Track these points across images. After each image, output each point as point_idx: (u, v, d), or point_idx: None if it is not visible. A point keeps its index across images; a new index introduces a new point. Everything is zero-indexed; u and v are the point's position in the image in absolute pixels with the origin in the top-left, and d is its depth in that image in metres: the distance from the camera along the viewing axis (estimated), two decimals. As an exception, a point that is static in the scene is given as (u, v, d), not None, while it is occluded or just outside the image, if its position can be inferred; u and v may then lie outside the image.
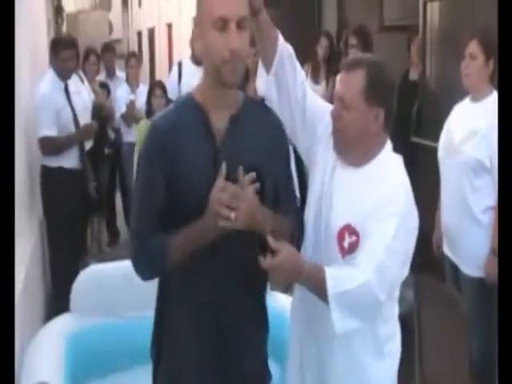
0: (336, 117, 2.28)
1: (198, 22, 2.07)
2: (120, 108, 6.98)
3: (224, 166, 2.00)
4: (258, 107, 2.26)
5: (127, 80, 7.30)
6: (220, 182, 1.99)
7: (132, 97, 6.72)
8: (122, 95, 7.07)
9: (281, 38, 2.34)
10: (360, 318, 2.17)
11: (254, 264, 2.10)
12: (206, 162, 2.07)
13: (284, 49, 2.34)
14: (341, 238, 2.24)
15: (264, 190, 2.07)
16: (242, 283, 2.19)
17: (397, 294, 2.34)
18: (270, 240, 2.03)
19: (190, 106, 2.12)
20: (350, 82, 2.24)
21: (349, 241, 2.22)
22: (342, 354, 2.32)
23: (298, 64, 2.40)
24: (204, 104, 2.11)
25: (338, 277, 2.10)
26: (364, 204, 2.19)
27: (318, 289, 2.12)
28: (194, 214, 2.03)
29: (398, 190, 2.21)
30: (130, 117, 6.78)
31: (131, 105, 6.71)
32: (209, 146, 2.08)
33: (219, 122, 2.10)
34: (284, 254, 2.03)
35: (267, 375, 2.38)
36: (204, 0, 2.05)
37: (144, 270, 2.18)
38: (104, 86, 6.99)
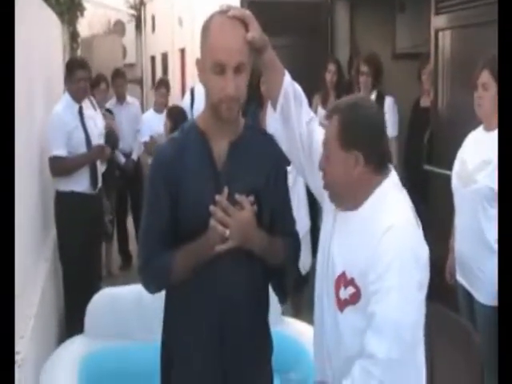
0: (321, 169, 2.26)
1: (201, 61, 2.20)
2: (143, 132, 7.12)
3: (225, 190, 2.15)
4: (258, 134, 2.40)
5: (155, 105, 7.49)
6: (218, 197, 2.15)
7: (154, 134, 6.79)
8: (148, 119, 7.22)
9: (287, 76, 2.33)
10: None
11: (255, 281, 2.32)
12: (208, 185, 2.21)
13: (289, 87, 2.32)
14: (337, 287, 2.20)
15: (262, 212, 2.23)
16: (245, 296, 2.30)
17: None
18: None
19: (194, 133, 2.28)
20: (328, 130, 2.21)
21: (345, 293, 2.17)
22: None
23: (305, 103, 2.38)
24: (206, 131, 2.26)
25: None
26: (357, 251, 2.13)
27: None
28: (197, 232, 2.18)
29: (390, 233, 2.07)
30: (150, 152, 6.89)
31: (151, 141, 6.79)
32: (210, 170, 2.23)
33: (220, 147, 2.25)
34: None
35: None
36: (206, 44, 2.16)
37: (150, 283, 2.34)
38: (109, 112, 7.12)
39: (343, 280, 2.17)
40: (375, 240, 2.08)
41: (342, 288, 2.17)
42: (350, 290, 2.14)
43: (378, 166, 2.20)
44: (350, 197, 2.21)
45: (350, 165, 2.17)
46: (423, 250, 2.15)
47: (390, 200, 2.18)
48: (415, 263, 2.09)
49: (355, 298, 2.14)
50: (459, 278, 3.69)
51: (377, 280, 2.06)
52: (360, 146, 2.15)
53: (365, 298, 2.11)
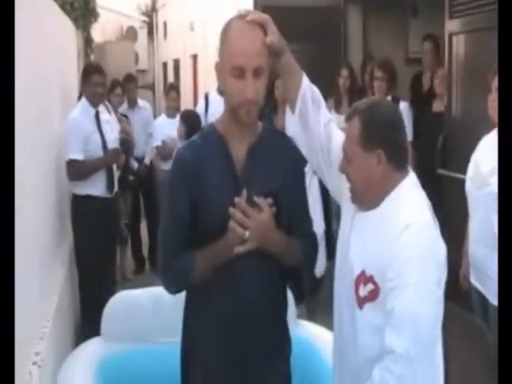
0: (343, 172, 2.30)
1: (220, 65, 2.24)
2: (156, 137, 7.16)
3: (244, 192, 2.18)
4: (276, 136, 2.43)
5: (166, 110, 7.50)
6: (237, 200, 2.17)
7: (166, 138, 6.83)
8: (160, 124, 7.24)
9: (305, 79, 2.37)
10: None
11: (273, 281, 2.35)
12: (227, 188, 2.24)
13: (307, 89, 2.37)
14: (357, 285, 2.23)
15: (280, 213, 2.26)
16: (264, 297, 2.33)
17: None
18: None
19: (213, 136, 2.30)
20: (348, 133, 2.25)
21: (364, 290, 2.20)
22: None
23: (322, 105, 2.42)
24: (225, 134, 2.29)
25: None
26: (376, 249, 2.16)
27: None
28: (216, 235, 2.21)
29: (407, 231, 2.11)
30: (162, 156, 6.92)
31: (164, 145, 6.82)
32: (229, 173, 2.26)
33: (239, 150, 2.28)
34: None
35: None
36: (225, 48, 2.20)
37: (171, 284, 2.37)
38: (125, 117, 7.20)
39: (363, 278, 2.19)
40: (393, 238, 2.11)
41: (362, 286, 2.19)
42: (370, 286, 2.17)
43: (399, 163, 2.25)
44: (372, 196, 2.25)
45: (372, 164, 2.21)
46: (441, 249, 2.18)
47: (408, 198, 2.21)
48: (433, 261, 2.12)
49: (374, 295, 2.17)
50: (473, 280, 3.70)
51: (395, 277, 2.08)
52: (382, 144, 2.19)
53: (383, 294, 2.13)
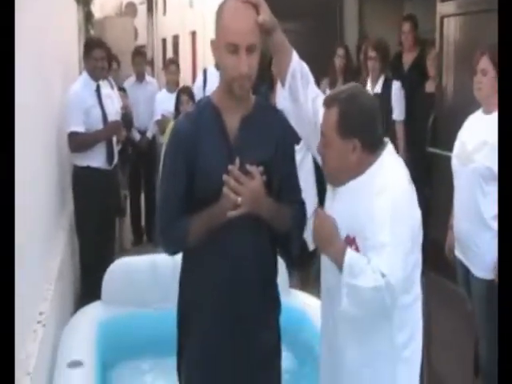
0: (319, 153, 2.48)
1: (216, 42, 2.40)
2: (156, 112, 7.24)
3: (237, 161, 2.34)
4: (267, 109, 2.60)
5: (167, 85, 7.56)
6: (231, 168, 2.33)
7: (166, 113, 6.93)
8: (161, 99, 7.31)
9: (294, 55, 2.51)
10: (365, 309, 2.31)
11: (264, 244, 2.51)
12: (221, 156, 2.40)
13: (297, 65, 2.50)
14: None
15: (271, 181, 2.42)
16: (256, 261, 2.49)
17: (409, 299, 2.39)
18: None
19: (208, 108, 2.47)
20: (326, 118, 2.40)
21: None
22: (358, 362, 2.42)
23: (311, 81, 2.56)
24: (220, 106, 2.45)
25: (355, 266, 2.24)
26: (357, 212, 2.32)
27: (339, 266, 2.30)
28: (211, 200, 2.37)
29: (384, 193, 2.28)
30: (161, 129, 7.04)
31: (164, 119, 6.94)
32: (223, 143, 2.43)
33: (232, 121, 2.44)
34: (319, 218, 2.36)
35: (279, 351, 2.66)
36: (220, 26, 2.36)
37: (169, 245, 2.54)
38: (123, 90, 7.28)
39: (348, 241, 2.36)
40: (371, 199, 2.29)
41: (348, 247, 2.34)
42: (353, 248, 2.33)
43: (374, 149, 2.40)
44: (346, 176, 2.42)
45: (348, 151, 2.37)
46: (416, 214, 2.36)
47: (386, 166, 2.38)
48: (407, 224, 2.29)
49: None
50: (457, 253, 3.86)
51: (371, 236, 2.26)
52: (358, 134, 2.36)
53: (362, 253, 2.30)
